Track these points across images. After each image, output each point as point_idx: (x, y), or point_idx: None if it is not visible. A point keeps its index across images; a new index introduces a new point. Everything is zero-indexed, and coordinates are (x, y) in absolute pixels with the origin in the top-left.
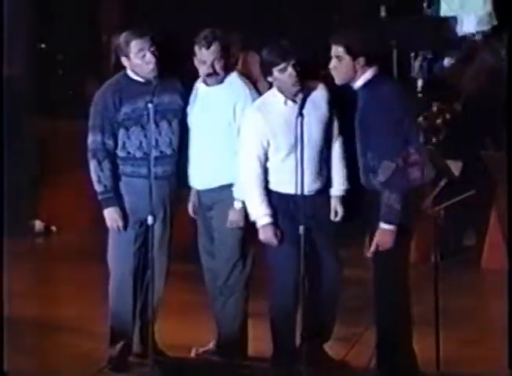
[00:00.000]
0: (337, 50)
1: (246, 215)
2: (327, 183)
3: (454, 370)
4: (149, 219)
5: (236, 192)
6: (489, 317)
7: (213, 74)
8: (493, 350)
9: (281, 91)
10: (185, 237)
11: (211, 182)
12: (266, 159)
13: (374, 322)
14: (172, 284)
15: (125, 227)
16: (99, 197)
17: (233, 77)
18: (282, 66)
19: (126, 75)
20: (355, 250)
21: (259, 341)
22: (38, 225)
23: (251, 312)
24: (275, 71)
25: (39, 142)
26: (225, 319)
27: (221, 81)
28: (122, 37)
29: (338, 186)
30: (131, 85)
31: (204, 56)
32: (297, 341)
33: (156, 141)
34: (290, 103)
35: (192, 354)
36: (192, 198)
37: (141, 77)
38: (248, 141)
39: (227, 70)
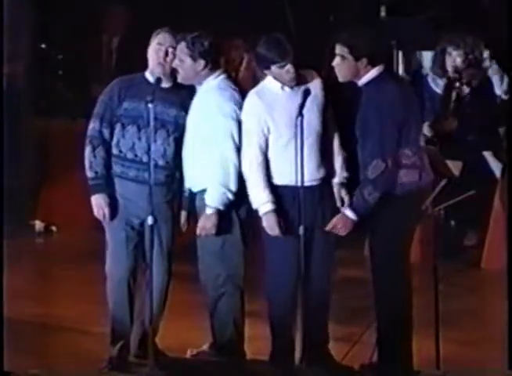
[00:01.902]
0: (340, 49)
1: (219, 223)
2: (331, 173)
3: (454, 370)
4: (149, 220)
5: (208, 198)
6: (489, 317)
7: (176, 69)
8: (493, 350)
9: (277, 80)
10: (184, 238)
11: (196, 186)
12: (267, 146)
13: (375, 321)
14: (172, 284)
15: (111, 217)
16: (89, 183)
17: (213, 82)
18: (281, 64)
19: (143, 75)
20: (355, 250)
21: (257, 341)
22: (38, 225)
23: (249, 311)
24: (274, 67)
25: (39, 142)
26: (219, 319)
27: (200, 83)
28: (160, 29)
29: (340, 174)
30: (142, 85)
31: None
32: (298, 342)
33: (150, 147)
34: (286, 88)
35: (188, 355)
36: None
37: (154, 77)
38: (249, 128)
39: (197, 74)
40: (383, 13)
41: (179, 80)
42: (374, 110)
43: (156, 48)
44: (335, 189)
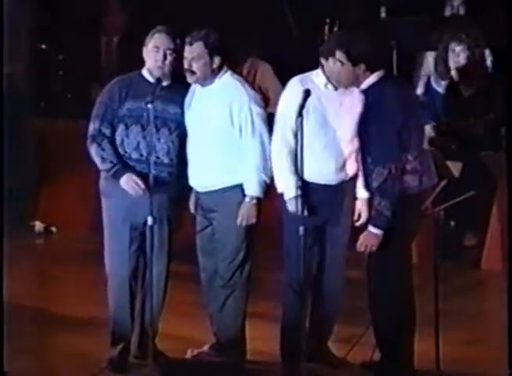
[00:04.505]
0: (339, 55)
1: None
2: (353, 177)
3: (454, 370)
4: (149, 220)
5: (249, 189)
6: (489, 318)
7: (189, 71)
8: (493, 350)
9: (325, 74)
10: (184, 238)
11: (213, 185)
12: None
13: (371, 323)
14: (172, 285)
15: (148, 189)
16: (109, 174)
17: (225, 77)
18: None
19: (140, 74)
20: (355, 250)
21: (258, 341)
22: (38, 225)
23: (250, 312)
24: (331, 59)
25: (39, 142)
26: (225, 318)
27: (211, 82)
28: (154, 29)
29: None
30: (141, 84)
31: (185, 52)
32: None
33: (154, 146)
34: (330, 86)
35: (188, 355)
36: (193, 198)
37: (152, 76)
38: (285, 113)
39: (213, 72)
40: (383, 14)
41: (192, 81)
42: (374, 117)
43: (154, 51)
44: (358, 203)
